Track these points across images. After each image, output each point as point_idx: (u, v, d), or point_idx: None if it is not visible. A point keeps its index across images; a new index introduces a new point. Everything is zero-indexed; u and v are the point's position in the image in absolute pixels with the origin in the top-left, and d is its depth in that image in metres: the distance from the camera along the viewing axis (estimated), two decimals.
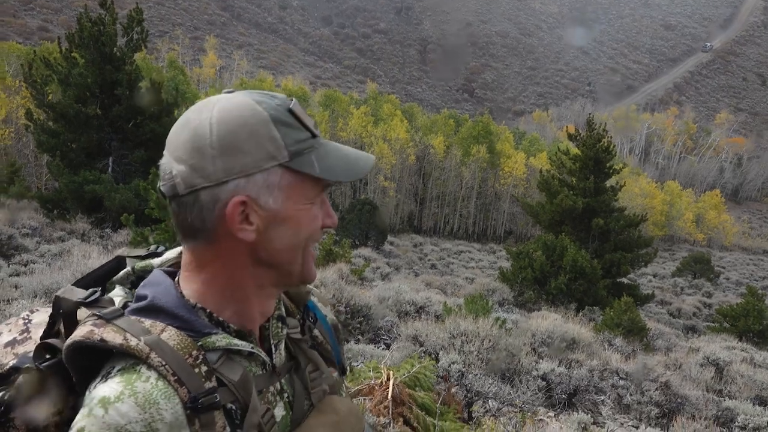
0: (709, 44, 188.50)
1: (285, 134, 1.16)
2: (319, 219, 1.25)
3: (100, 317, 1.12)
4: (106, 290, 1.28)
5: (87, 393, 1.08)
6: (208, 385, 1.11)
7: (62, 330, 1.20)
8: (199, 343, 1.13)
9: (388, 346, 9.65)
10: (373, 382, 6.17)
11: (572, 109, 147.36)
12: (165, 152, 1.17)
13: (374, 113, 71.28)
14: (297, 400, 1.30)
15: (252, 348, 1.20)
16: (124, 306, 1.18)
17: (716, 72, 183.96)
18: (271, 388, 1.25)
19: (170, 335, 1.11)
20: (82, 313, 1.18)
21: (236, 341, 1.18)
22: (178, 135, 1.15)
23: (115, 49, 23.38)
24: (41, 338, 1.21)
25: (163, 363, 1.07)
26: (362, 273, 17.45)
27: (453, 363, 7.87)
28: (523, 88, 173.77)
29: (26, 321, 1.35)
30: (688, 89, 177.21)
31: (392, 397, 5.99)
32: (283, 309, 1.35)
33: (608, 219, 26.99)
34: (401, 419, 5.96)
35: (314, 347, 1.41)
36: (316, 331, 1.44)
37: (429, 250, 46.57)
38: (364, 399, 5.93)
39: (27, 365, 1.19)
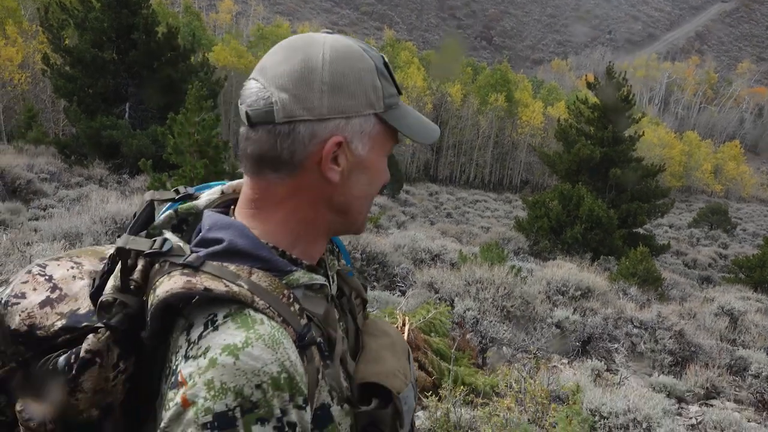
0: None
1: (384, 86, 1.18)
2: (387, 173, 1.27)
3: (187, 266, 1.08)
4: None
5: (186, 344, 1.02)
6: (303, 322, 1.11)
7: (130, 282, 1.12)
8: (284, 282, 1.13)
9: (403, 293, 9.71)
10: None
11: (592, 58, 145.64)
12: (257, 77, 1.16)
13: (391, 61, 70.04)
14: (349, 327, 1.32)
15: (324, 281, 1.20)
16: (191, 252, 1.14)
17: (739, 20, 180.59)
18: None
19: (260, 277, 1.10)
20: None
21: (316, 276, 1.19)
22: (281, 63, 1.14)
23: None
24: (93, 294, 1.16)
25: (268, 305, 1.06)
26: (378, 221, 17.49)
27: (468, 310, 7.93)
28: (542, 36, 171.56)
29: (45, 277, 1.24)
30: (709, 38, 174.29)
31: (407, 342, 6.06)
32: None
33: (626, 169, 26.80)
34: (416, 364, 6.04)
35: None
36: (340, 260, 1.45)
37: (445, 199, 46.61)
38: None
39: (84, 324, 1.13)
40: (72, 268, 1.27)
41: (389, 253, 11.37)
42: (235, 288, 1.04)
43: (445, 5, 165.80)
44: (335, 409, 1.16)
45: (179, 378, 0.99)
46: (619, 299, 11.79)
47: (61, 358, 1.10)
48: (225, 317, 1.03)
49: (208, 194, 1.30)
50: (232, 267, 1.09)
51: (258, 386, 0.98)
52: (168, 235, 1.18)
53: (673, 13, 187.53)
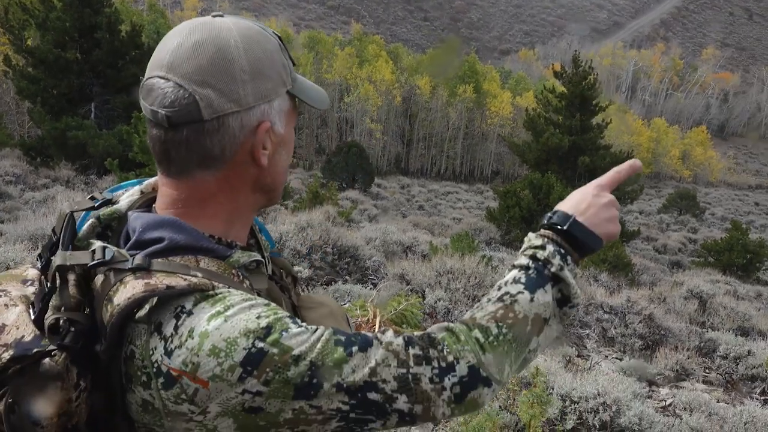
0: None
1: (288, 62, 1.20)
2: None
3: (137, 269, 1.05)
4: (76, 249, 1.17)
5: (162, 340, 1.00)
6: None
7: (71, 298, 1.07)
8: (227, 264, 1.15)
9: (375, 286, 9.71)
10: (359, 320, 6.24)
11: (558, 48, 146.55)
12: (166, 74, 1.10)
13: (359, 54, 70.65)
14: (286, 305, 1.33)
15: (260, 258, 1.21)
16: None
17: (703, 7, 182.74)
18: None
19: (207, 263, 1.11)
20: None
21: (253, 254, 1.20)
22: (192, 57, 1.10)
23: None
24: (37, 318, 1.09)
25: (227, 286, 1.06)
26: (349, 215, 17.44)
27: (439, 300, 7.95)
28: (509, 27, 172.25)
29: None
30: (674, 25, 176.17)
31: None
32: None
33: (594, 157, 27.02)
34: None
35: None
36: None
37: (416, 191, 46.63)
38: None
39: (35, 350, 1.04)
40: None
41: (360, 247, 11.35)
42: (195, 279, 1.04)
43: None
44: None
45: (172, 374, 0.99)
46: (590, 286, 11.88)
47: None
48: (195, 304, 1.02)
49: (128, 196, 1.28)
50: (178, 260, 1.09)
51: (258, 317, 1.00)
52: (98, 243, 1.13)
53: (637, 1, 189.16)
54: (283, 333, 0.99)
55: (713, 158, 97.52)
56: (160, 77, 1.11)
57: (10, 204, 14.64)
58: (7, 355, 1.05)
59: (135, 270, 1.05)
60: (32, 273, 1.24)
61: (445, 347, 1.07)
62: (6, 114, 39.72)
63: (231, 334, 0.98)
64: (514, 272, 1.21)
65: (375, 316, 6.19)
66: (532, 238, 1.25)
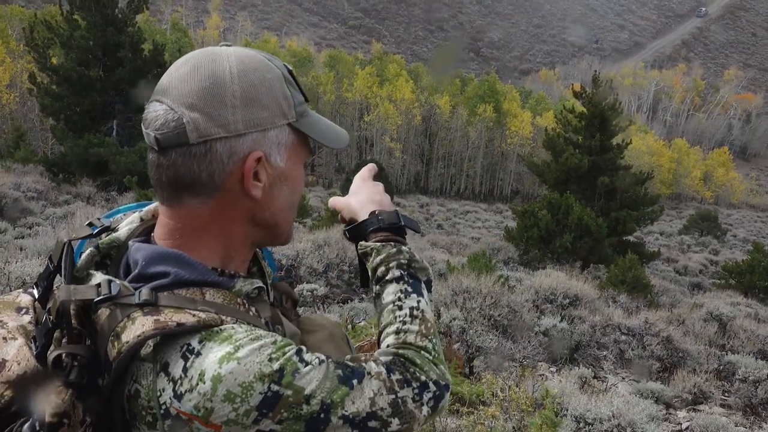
0: (704, 9, 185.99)
1: (293, 94, 1.18)
2: (304, 179, 1.27)
3: (145, 305, 1.04)
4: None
5: (171, 383, 0.99)
6: (263, 322, 1.15)
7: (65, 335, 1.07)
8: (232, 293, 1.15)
9: None
10: (374, 338, 6.23)
11: (579, 68, 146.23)
12: (161, 98, 1.12)
13: (379, 74, 70.88)
14: (286, 329, 1.31)
15: (261, 284, 1.21)
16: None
17: (725, 27, 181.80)
18: None
19: (213, 295, 1.10)
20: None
21: (254, 281, 1.19)
22: (185, 81, 1.10)
23: (116, 10, 23.31)
24: (40, 353, 1.08)
25: (235, 319, 1.07)
26: None
27: (454, 319, 7.91)
28: (530, 47, 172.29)
29: None
30: (696, 45, 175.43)
31: None
32: None
33: (614, 177, 26.86)
34: None
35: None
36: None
37: (435, 210, 46.63)
38: (366, 356, 5.97)
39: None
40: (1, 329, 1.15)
41: None
42: (203, 315, 1.04)
43: (433, 18, 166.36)
44: None
45: (181, 417, 0.99)
46: (608, 307, 11.80)
47: (25, 427, 1.00)
48: (201, 342, 1.02)
49: (128, 224, 1.27)
50: (183, 293, 1.08)
51: (270, 359, 1.01)
52: (100, 276, 1.13)
53: (659, 22, 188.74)
54: (296, 374, 1.01)
55: (735, 179, 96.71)
56: (157, 101, 1.13)
57: (32, 220, 14.79)
58: (9, 393, 1.04)
59: (143, 305, 1.04)
60: (25, 299, 1.22)
61: (416, 369, 1.16)
62: (30, 131, 40.32)
63: (246, 379, 0.98)
64: (397, 286, 1.30)
65: None
66: (379, 248, 1.34)
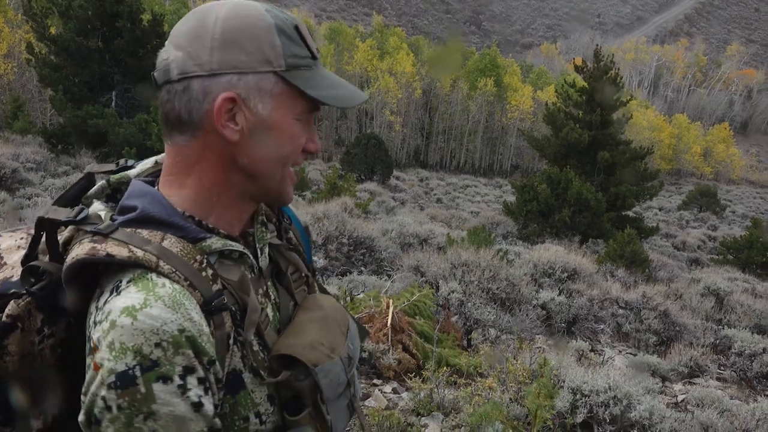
0: None
1: (286, 45, 1.17)
2: (302, 139, 1.23)
3: (96, 233, 1.09)
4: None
5: (96, 310, 1.05)
6: (215, 287, 1.12)
7: (46, 251, 1.16)
8: (198, 248, 1.14)
9: (390, 277, 9.72)
10: (372, 310, 6.26)
11: (581, 42, 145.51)
12: (167, 42, 1.18)
13: (380, 46, 70.54)
14: (282, 302, 1.32)
15: (243, 249, 1.21)
16: (111, 220, 1.15)
17: (728, 3, 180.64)
18: (260, 291, 1.26)
19: (171, 242, 1.11)
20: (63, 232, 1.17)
21: (231, 243, 1.19)
22: (183, 24, 1.17)
23: None
24: (23, 262, 1.16)
25: (174, 270, 1.07)
26: (367, 207, 17.46)
27: (452, 292, 7.95)
28: (532, 20, 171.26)
29: None
30: (698, 20, 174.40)
31: (391, 324, 6.08)
32: (264, 215, 1.36)
33: (614, 152, 26.79)
34: (400, 346, 6.06)
35: (290, 249, 1.41)
36: (291, 234, 1.45)
37: (435, 184, 46.56)
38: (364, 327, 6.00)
39: (12, 290, 1.16)
40: (21, 239, 1.32)
41: (377, 238, 11.38)
42: (139, 253, 1.06)
43: None
44: (247, 376, 1.17)
45: (92, 344, 1.03)
46: (606, 281, 11.83)
47: None
48: (128, 282, 1.05)
49: (142, 164, 1.31)
50: (144, 233, 1.10)
51: (157, 345, 1.00)
52: (96, 204, 1.19)
53: None
54: (160, 380, 1.00)
55: (735, 155, 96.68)
56: (167, 42, 1.19)
57: (31, 190, 14.79)
58: None
59: (94, 233, 1.09)
60: None
61: None
62: (29, 101, 40.13)
63: (127, 342, 0.99)
64: None
65: (388, 307, 6.21)
66: None
